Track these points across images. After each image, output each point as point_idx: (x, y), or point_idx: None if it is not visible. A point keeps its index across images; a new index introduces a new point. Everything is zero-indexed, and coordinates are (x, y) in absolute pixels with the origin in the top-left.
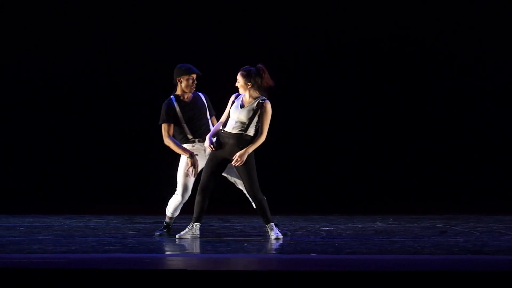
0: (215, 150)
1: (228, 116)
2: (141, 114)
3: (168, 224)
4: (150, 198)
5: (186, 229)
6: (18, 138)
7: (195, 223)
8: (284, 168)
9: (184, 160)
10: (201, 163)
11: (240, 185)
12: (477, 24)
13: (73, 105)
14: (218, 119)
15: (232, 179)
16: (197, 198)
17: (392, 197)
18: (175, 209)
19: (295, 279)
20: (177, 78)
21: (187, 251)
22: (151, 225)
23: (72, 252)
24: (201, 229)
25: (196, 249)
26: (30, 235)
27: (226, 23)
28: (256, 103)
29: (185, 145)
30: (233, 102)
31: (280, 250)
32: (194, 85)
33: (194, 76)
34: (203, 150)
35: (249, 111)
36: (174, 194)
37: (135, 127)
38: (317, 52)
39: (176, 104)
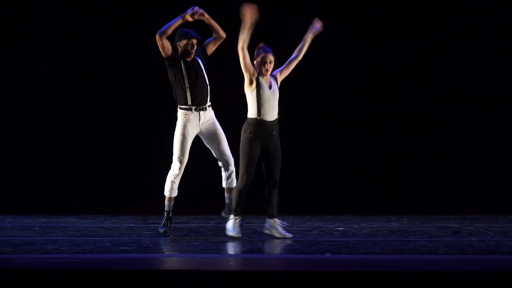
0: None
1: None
2: (158, 115)
3: (168, 212)
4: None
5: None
6: (33, 139)
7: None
8: (298, 168)
9: (179, 127)
10: (194, 132)
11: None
12: (480, 24)
13: (88, 106)
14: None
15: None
16: (240, 193)
17: (406, 197)
18: (172, 187)
19: (309, 279)
20: (177, 43)
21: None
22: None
23: (86, 252)
24: (215, 229)
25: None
26: (45, 236)
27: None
28: (274, 79)
29: (181, 111)
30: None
31: (294, 250)
32: (194, 51)
33: (194, 41)
34: (198, 119)
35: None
36: (170, 170)
37: (151, 128)
38: (327, 51)
39: (182, 63)
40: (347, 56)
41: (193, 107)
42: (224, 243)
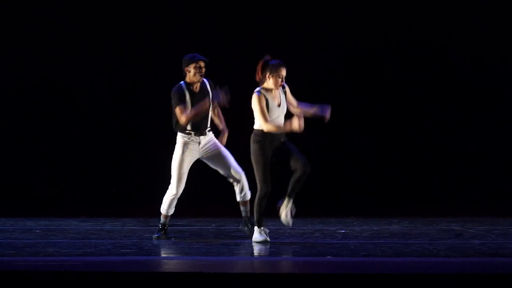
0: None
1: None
2: (160, 117)
3: (164, 225)
4: None
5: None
6: (34, 142)
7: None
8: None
9: (178, 151)
10: (193, 156)
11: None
12: (481, 25)
13: (89, 108)
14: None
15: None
16: (264, 199)
17: (407, 199)
18: (169, 206)
19: (310, 281)
20: (185, 69)
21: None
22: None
23: (88, 255)
24: (216, 232)
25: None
26: (46, 238)
27: (229, 24)
28: (283, 93)
29: (180, 135)
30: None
31: (296, 252)
32: (203, 72)
33: (202, 63)
34: (198, 143)
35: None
36: (168, 190)
37: (152, 130)
38: (327, 51)
39: (186, 91)
40: (348, 58)
41: (193, 132)
42: (224, 245)
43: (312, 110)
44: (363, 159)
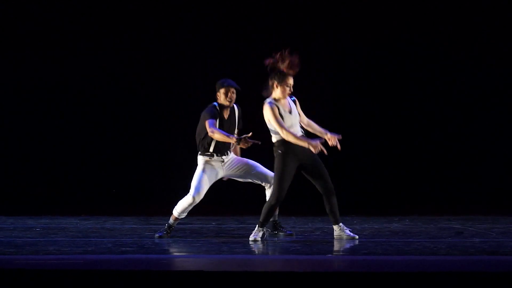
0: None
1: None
2: (160, 116)
3: (170, 226)
4: (166, 199)
5: (258, 232)
6: (35, 140)
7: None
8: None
9: (201, 164)
10: (216, 171)
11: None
12: (481, 25)
13: (89, 107)
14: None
15: (248, 180)
16: (275, 206)
17: (408, 198)
18: (183, 210)
19: (311, 280)
20: (217, 93)
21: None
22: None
23: (88, 253)
24: (217, 230)
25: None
26: (46, 236)
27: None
28: (293, 103)
29: (201, 157)
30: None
31: (296, 251)
32: (233, 98)
33: (232, 89)
34: (220, 162)
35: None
36: (186, 195)
37: (153, 129)
38: (328, 51)
39: (217, 112)
40: (348, 57)
41: (215, 154)
42: (225, 244)
43: (321, 132)
44: (364, 158)
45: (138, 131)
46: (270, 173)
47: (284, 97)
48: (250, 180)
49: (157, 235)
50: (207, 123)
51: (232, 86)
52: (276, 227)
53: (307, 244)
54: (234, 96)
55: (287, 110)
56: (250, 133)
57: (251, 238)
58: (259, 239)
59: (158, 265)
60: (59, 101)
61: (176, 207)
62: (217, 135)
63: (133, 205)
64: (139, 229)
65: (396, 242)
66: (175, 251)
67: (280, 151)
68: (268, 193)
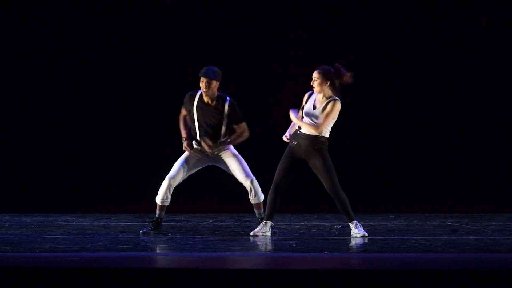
0: (293, 147)
1: (302, 117)
2: (152, 113)
3: (157, 219)
4: None
5: (260, 227)
6: (30, 138)
7: (267, 221)
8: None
9: (186, 153)
10: (202, 157)
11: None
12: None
13: (83, 104)
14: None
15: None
16: (270, 196)
17: (404, 195)
18: (161, 195)
19: (307, 277)
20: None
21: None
22: (163, 223)
23: (84, 250)
24: (212, 228)
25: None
26: (42, 234)
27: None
28: (326, 102)
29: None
30: (306, 101)
31: (292, 248)
32: (205, 90)
33: (203, 79)
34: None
35: (321, 111)
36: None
37: (147, 126)
38: (329, 51)
39: (197, 98)
40: (348, 57)
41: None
42: (221, 241)
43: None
44: (359, 155)
45: (132, 128)
46: (249, 175)
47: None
48: (234, 175)
49: (141, 231)
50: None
51: (201, 76)
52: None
53: (304, 241)
54: (205, 85)
55: (310, 105)
56: (205, 142)
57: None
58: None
59: (154, 262)
60: (53, 98)
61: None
62: (180, 124)
63: (129, 202)
64: (135, 227)
65: (392, 239)
66: (171, 249)
67: (326, 149)
68: (249, 194)
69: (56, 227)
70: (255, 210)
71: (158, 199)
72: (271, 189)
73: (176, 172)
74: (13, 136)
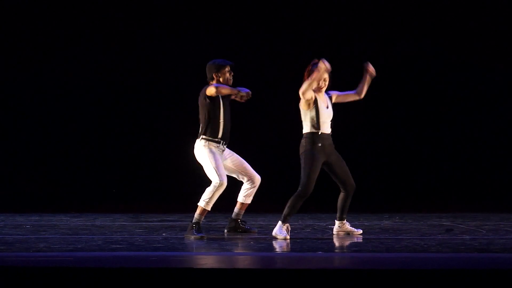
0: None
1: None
2: (147, 113)
3: (198, 222)
4: (156, 197)
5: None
6: (24, 138)
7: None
8: (290, 167)
9: (207, 150)
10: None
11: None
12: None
13: (79, 105)
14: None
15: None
16: (298, 201)
17: (398, 195)
18: (210, 198)
19: (301, 277)
20: (214, 74)
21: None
22: (157, 223)
23: (78, 250)
24: (207, 228)
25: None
26: (37, 234)
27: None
28: (329, 97)
29: (209, 142)
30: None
31: (287, 248)
32: (231, 77)
33: (229, 68)
34: (222, 151)
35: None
36: (210, 186)
37: (141, 127)
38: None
39: (220, 96)
40: (348, 57)
41: (222, 141)
42: (215, 241)
43: (365, 79)
44: (353, 155)
45: (127, 129)
46: (257, 175)
47: (321, 91)
48: (235, 176)
49: (197, 235)
50: (212, 86)
51: (231, 64)
52: (238, 225)
53: (298, 241)
54: (232, 74)
55: (324, 104)
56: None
57: (276, 235)
58: (283, 236)
59: (148, 262)
60: (49, 99)
61: (203, 196)
62: (223, 90)
63: (124, 202)
64: (129, 226)
65: (386, 239)
66: (165, 249)
67: (310, 144)
68: (244, 191)
69: (51, 226)
70: (237, 210)
71: (204, 203)
72: (301, 195)
73: (224, 173)
74: (7, 136)
